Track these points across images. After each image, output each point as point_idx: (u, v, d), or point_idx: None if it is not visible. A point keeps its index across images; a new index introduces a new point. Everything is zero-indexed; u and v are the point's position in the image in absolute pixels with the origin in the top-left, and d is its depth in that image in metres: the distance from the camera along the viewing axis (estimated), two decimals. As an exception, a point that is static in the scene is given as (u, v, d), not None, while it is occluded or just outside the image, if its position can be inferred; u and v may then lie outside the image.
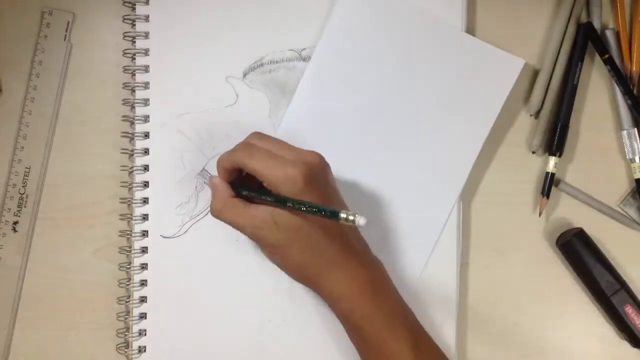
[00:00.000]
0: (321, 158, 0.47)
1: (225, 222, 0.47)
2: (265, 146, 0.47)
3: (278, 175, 0.44)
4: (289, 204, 0.44)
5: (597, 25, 0.56)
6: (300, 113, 0.54)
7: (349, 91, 0.54)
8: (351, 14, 0.54)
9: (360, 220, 0.40)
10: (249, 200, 0.47)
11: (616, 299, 0.53)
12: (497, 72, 0.54)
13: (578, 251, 0.54)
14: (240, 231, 0.47)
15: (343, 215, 0.41)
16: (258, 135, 0.48)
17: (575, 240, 0.54)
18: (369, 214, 0.49)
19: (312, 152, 0.47)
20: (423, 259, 0.54)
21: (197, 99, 0.54)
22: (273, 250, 0.46)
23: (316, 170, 0.46)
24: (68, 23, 0.55)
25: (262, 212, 0.45)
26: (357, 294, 0.46)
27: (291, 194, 0.44)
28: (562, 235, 0.55)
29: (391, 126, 0.54)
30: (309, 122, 0.54)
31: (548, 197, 0.55)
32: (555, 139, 0.54)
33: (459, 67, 0.54)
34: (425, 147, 0.54)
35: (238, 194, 0.48)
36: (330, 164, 0.48)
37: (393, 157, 0.54)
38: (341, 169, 0.53)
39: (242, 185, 0.48)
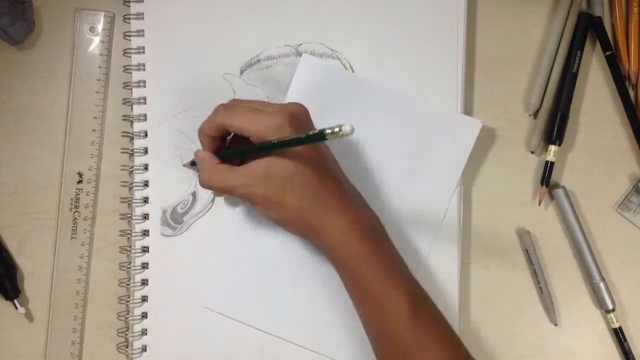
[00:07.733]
0: (303, 106, 0.47)
1: (216, 189, 0.47)
2: (246, 104, 0.47)
3: (265, 125, 0.44)
4: (273, 142, 0.43)
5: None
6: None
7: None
8: (310, 82, 0.53)
9: (347, 128, 0.38)
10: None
11: None
12: (457, 134, 0.53)
13: None
14: (233, 194, 0.46)
15: (329, 130, 0.39)
16: (236, 99, 0.49)
17: None
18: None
19: (294, 102, 0.47)
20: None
21: (194, 97, 0.54)
22: (268, 204, 0.45)
23: (301, 117, 0.46)
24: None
25: (252, 167, 0.45)
26: (357, 239, 0.45)
27: None
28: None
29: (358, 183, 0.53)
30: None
31: (547, 186, 0.54)
32: (555, 127, 0.54)
33: (421, 133, 0.54)
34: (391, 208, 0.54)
35: (224, 161, 0.47)
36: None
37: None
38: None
39: (227, 151, 0.47)
